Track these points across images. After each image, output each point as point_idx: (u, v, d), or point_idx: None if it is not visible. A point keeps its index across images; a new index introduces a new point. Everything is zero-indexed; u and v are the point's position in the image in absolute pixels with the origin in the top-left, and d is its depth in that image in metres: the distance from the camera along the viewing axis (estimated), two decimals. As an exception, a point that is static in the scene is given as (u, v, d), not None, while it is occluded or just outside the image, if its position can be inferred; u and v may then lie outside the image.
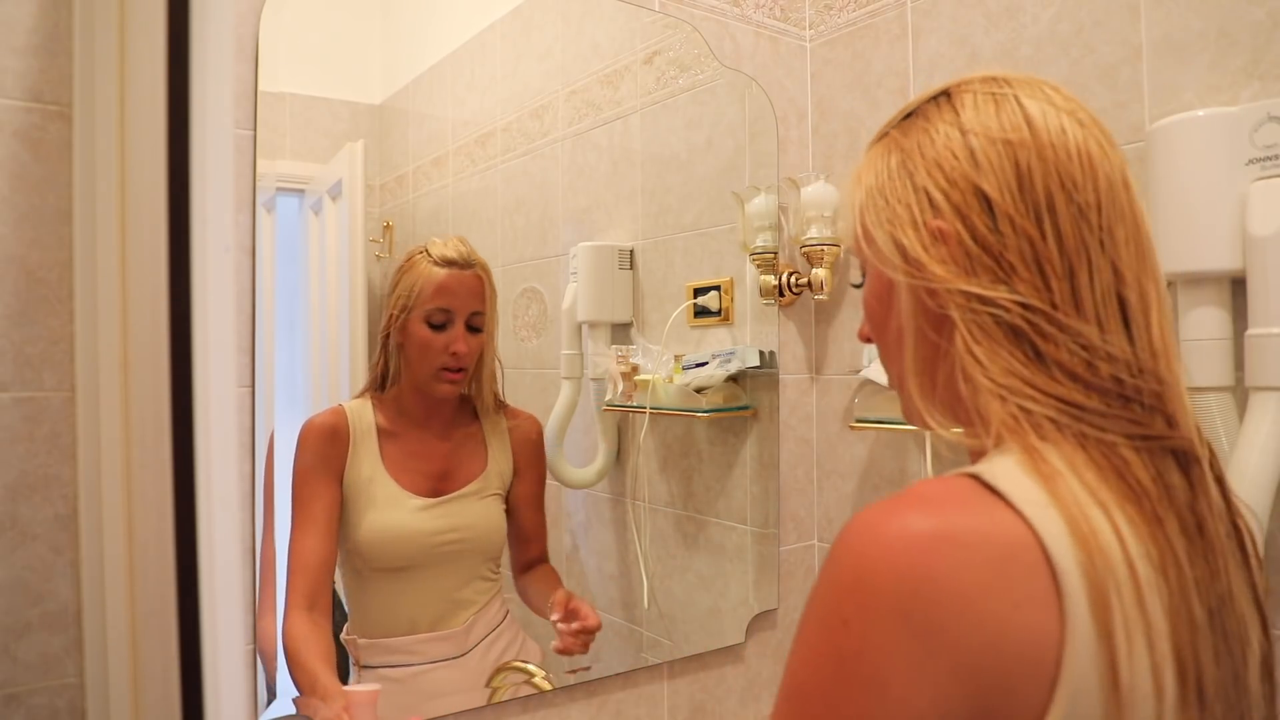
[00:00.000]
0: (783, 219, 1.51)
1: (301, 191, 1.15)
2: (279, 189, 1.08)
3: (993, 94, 0.61)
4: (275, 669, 1.06)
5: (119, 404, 0.75)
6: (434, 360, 1.15)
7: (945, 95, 0.63)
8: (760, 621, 1.51)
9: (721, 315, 1.48)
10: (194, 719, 0.62)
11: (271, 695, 1.06)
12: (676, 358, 1.44)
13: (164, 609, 0.64)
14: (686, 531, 1.48)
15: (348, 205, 1.19)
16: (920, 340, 0.62)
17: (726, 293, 1.48)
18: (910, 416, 0.68)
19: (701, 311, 1.48)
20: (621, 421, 1.44)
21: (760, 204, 1.48)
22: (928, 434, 1.24)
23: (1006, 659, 0.48)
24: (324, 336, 1.19)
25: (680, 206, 1.48)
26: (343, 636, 1.14)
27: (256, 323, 1.03)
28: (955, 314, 0.58)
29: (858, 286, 0.68)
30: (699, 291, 1.47)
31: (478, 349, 1.18)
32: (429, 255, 1.15)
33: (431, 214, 1.29)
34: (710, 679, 1.45)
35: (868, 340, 0.71)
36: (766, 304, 1.50)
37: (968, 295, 0.58)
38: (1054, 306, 0.56)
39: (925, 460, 1.27)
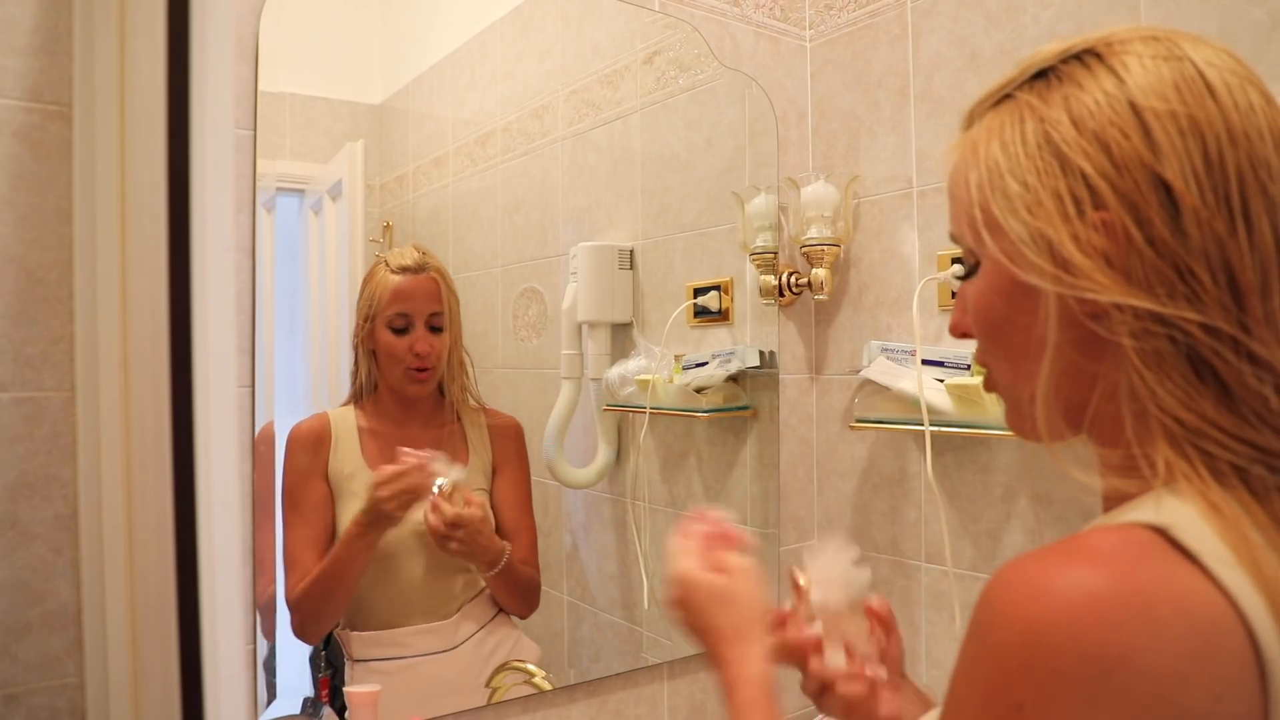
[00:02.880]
0: (783, 219, 1.51)
1: (301, 191, 1.15)
2: (279, 189, 1.08)
3: (1163, 57, 0.49)
4: (275, 670, 1.06)
5: (119, 404, 0.75)
6: (400, 362, 1.18)
7: (1094, 54, 0.51)
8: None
9: (721, 315, 1.48)
10: (194, 719, 0.62)
11: (271, 695, 1.06)
12: (676, 358, 1.44)
13: (164, 609, 0.64)
14: (686, 531, 1.48)
15: (348, 205, 1.19)
16: (1063, 357, 0.51)
17: (726, 293, 1.48)
18: (1021, 429, 0.58)
19: (701, 311, 1.48)
20: (621, 421, 1.44)
21: (760, 204, 1.48)
22: (928, 434, 1.24)
23: None
24: (324, 336, 1.19)
25: (680, 206, 1.48)
26: (335, 632, 1.15)
27: (256, 323, 1.03)
28: (1123, 334, 0.47)
29: (962, 278, 0.59)
30: (699, 291, 1.47)
31: (441, 348, 1.21)
32: (386, 264, 1.18)
33: (431, 214, 1.29)
34: (710, 679, 1.45)
35: (964, 336, 0.60)
36: (766, 304, 1.50)
37: (1141, 313, 0.47)
38: (1245, 330, 0.46)
39: (925, 461, 1.27)
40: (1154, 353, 0.47)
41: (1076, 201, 0.49)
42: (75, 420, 0.91)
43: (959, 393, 1.23)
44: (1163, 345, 0.47)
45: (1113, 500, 0.52)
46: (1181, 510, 0.45)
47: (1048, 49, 0.54)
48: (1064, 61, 0.53)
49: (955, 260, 1.32)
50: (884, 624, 0.78)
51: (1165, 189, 0.47)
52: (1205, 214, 0.47)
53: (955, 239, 0.59)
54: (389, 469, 1.11)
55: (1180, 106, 0.48)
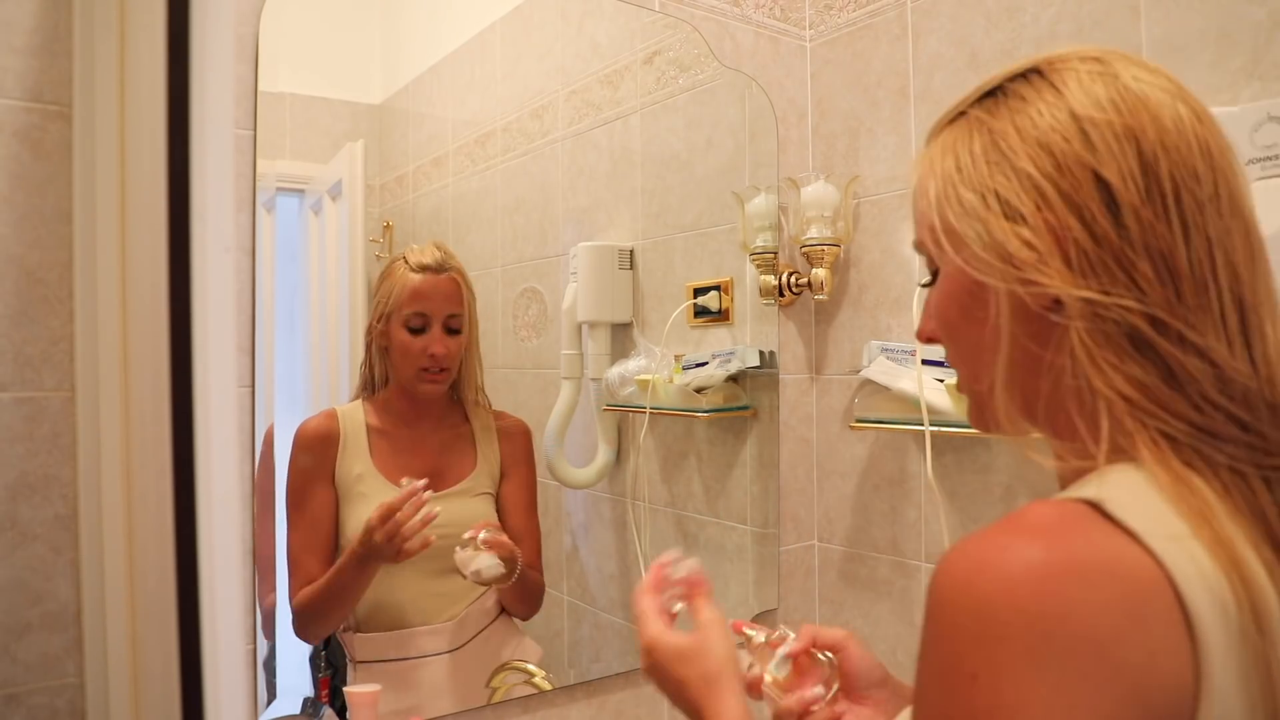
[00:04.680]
0: (783, 219, 1.51)
1: (301, 191, 1.15)
2: (279, 189, 1.08)
3: (1099, 74, 0.54)
4: (275, 669, 1.06)
5: (119, 404, 0.75)
6: (414, 363, 1.17)
7: (1037, 73, 0.56)
8: (760, 621, 1.50)
9: (721, 315, 1.48)
10: (194, 719, 0.62)
11: (271, 695, 1.06)
12: (676, 358, 1.44)
13: (164, 609, 0.64)
14: (686, 531, 1.48)
15: (348, 205, 1.19)
16: (1017, 348, 0.55)
17: (726, 293, 1.48)
18: (983, 422, 0.62)
19: (701, 311, 1.48)
20: (621, 421, 1.44)
21: (760, 204, 1.48)
22: (928, 434, 1.24)
23: (1145, 717, 0.43)
24: (324, 336, 1.19)
25: (680, 206, 1.48)
26: (338, 633, 1.15)
27: (256, 323, 1.03)
28: (1073, 322, 0.51)
29: (925, 285, 0.63)
30: (699, 291, 1.47)
31: (457, 350, 1.20)
32: (406, 262, 1.17)
33: (431, 214, 1.29)
34: (710, 679, 1.45)
35: (930, 341, 0.64)
36: (766, 304, 1.50)
37: (1088, 302, 0.50)
38: (1188, 323, 0.50)
39: (925, 461, 1.27)
40: (1101, 334, 0.51)
41: (1022, 202, 0.53)
42: (75, 420, 0.91)
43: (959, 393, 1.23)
44: (1110, 329, 0.50)
45: (1067, 481, 0.56)
46: (1117, 482, 0.49)
47: (998, 73, 0.58)
48: (1011, 80, 0.57)
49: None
50: (833, 648, 0.79)
51: (1105, 187, 0.51)
52: (1144, 211, 0.50)
53: (918, 248, 0.63)
54: (383, 507, 1.07)
55: (1116, 116, 0.52)
